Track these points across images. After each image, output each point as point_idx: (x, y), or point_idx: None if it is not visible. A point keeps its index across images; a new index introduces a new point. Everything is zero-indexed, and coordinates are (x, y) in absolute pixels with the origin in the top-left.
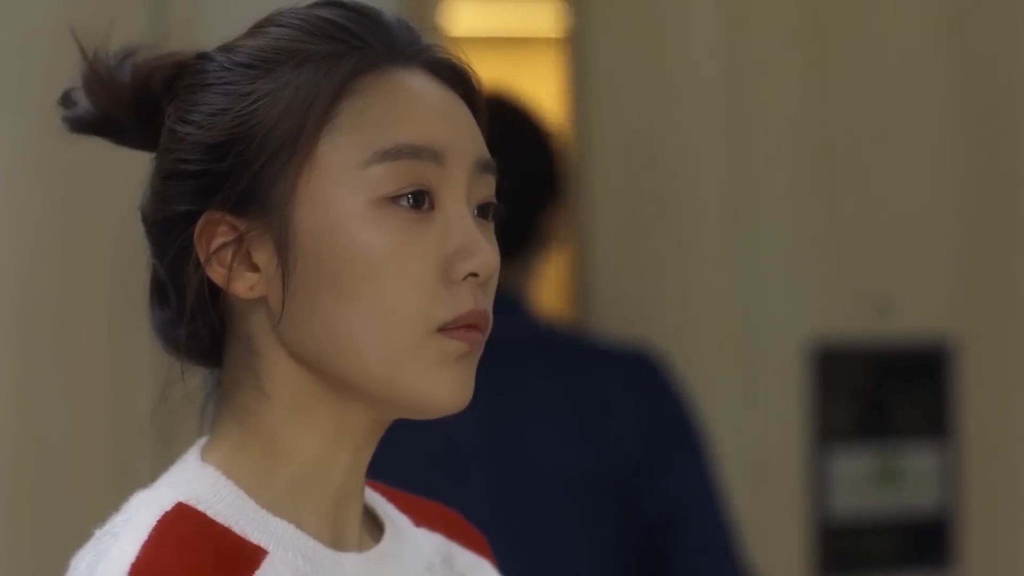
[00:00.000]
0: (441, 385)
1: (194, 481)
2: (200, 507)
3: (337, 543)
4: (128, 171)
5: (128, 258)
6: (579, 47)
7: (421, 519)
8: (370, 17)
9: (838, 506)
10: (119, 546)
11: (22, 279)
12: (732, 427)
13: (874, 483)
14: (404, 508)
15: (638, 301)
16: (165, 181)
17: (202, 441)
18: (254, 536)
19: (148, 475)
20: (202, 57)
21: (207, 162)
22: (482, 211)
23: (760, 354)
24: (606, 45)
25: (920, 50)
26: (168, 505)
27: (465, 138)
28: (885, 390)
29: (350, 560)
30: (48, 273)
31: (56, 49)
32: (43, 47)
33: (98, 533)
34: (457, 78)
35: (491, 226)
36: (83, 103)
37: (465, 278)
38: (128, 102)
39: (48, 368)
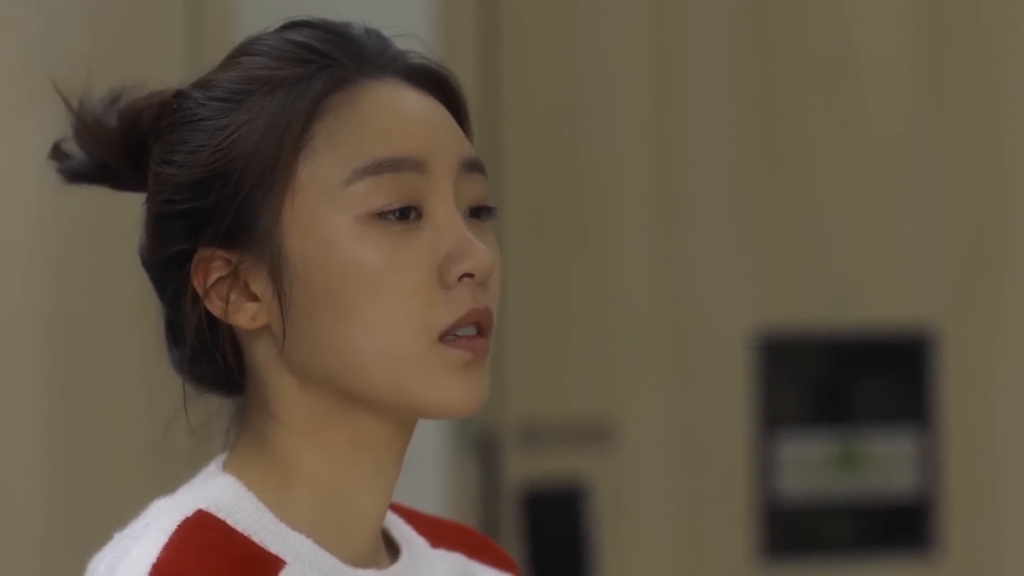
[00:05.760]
0: (452, 392)
1: (214, 491)
2: (220, 515)
3: (355, 562)
4: None
5: None
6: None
7: (438, 540)
8: (338, 34)
9: (787, 490)
10: (140, 548)
11: (55, 291)
12: (671, 415)
13: (832, 468)
14: (421, 529)
15: (555, 289)
16: (155, 224)
17: (222, 456)
18: (272, 547)
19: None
20: (178, 96)
21: (192, 200)
22: (475, 212)
23: (699, 343)
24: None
25: (887, 7)
26: (189, 511)
27: (445, 141)
28: (847, 378)
29: None
30: (81, 285)
31: (91, 44)
32: (78, 42)
33: (117, 536)
34: (434, 82)
35: (486, 226)
36: (76, 154)
37: (461, 279)
38: (118, 147)
39: (80, 380)
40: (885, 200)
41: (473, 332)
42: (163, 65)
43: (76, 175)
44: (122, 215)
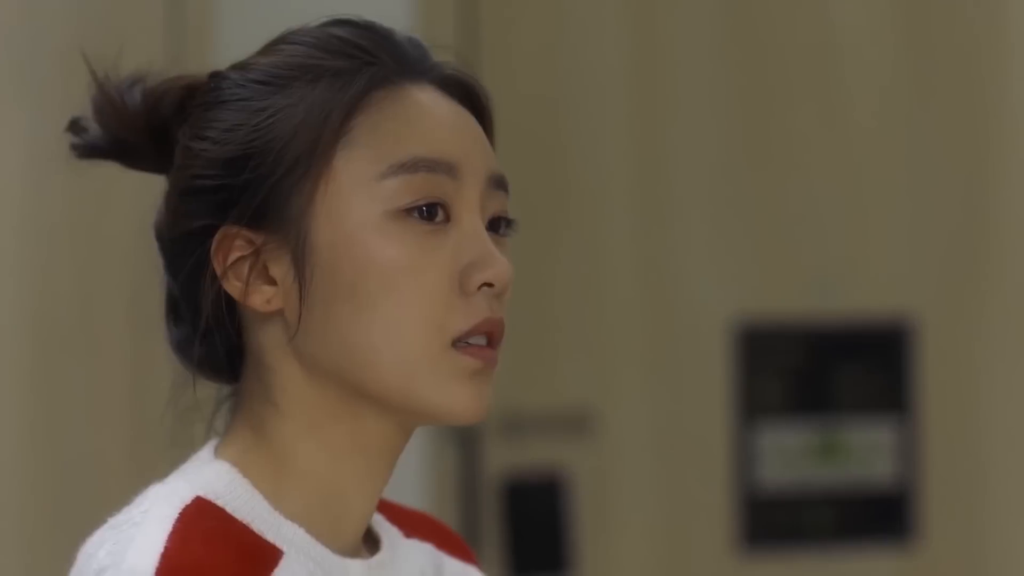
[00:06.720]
0: (457, 398)
1: (210, 476)
2: (219, 502)
3: (342, 552)
4: None
5: (147, 257)
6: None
7: (411, 530)
8: (382, 35)
9: (767, 479)
10: (143, 535)
11: (39, 279)
12: (652, 405)
13: (812, 458)
14: (393, 519)
15: (536, 279)
16: (181, 198)
17: (214, 441)
18: (269, 536)
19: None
20: (215, 76)
21: (223, 177)
22: (493, 226)
23: (680, 333)
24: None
25: None
26: (188, 498)
27: (477, 153)
28: (828, 368)
29: (356, 567)
30: (65, 273)
31: (73, 39)
32: (60, 37)
33: (112, 521)
34: (467, 94)
35: (505, 241)
36: (93, 129)
37: (480, 288)
38: (140, 126)
39: (66, 371)
40: (866, 191)
41: (484, 342)
42: (144, 55)
43: (91, 150)
44: (105, 212)
